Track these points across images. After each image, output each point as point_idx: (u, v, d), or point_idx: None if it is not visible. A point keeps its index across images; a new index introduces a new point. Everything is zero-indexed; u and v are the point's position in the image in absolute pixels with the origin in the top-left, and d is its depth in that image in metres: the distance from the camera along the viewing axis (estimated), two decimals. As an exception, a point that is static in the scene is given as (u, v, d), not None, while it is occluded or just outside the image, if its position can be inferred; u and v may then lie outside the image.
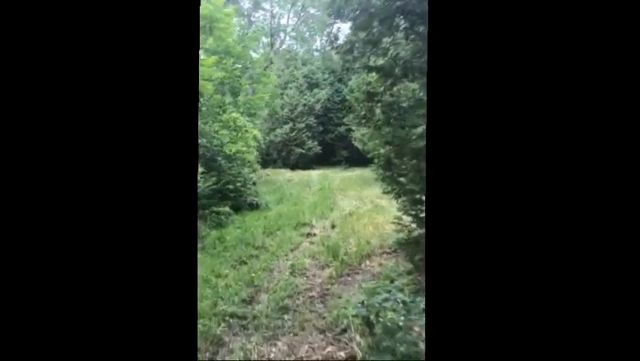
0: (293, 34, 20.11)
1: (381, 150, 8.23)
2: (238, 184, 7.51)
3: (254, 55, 11.79)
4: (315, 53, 21.06)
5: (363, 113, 8.19)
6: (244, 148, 8.80)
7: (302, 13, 20.56)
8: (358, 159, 17.72)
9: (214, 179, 6.88)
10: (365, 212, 7.46)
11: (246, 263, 4.95)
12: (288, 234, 6.02)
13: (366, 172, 15.46)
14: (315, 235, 6.07)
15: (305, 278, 4.57)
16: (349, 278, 4.63)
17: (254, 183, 8.53)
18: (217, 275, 4.47)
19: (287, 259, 5.10)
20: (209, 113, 7.74)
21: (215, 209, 6.43)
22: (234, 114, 7.73)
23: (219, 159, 7.35)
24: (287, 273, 4.65)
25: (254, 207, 7.69)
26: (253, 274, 4.50)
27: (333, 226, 6.59)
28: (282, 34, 20.51)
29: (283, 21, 20.59)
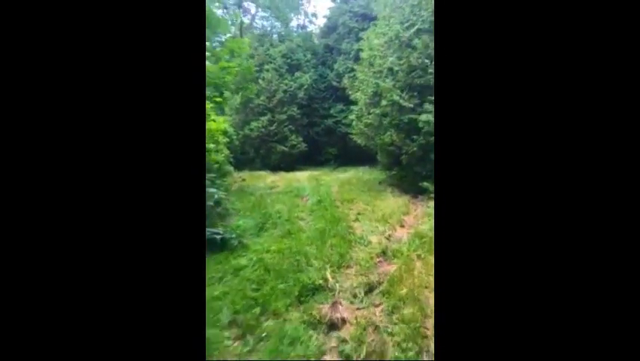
0: (267, 3, 16.61)
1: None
2: (188, 208, 4.26)
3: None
4: (294, 34, 17.77)
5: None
6: (211, 145, 5.69)
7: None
8: (348, 157, 14.67)
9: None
10: (410, 249, 4.36)
11: None
12: (288, 324, 2.83)
13: (362, 173, 12.40)
14: (344, 321, 2.91)
15: None
16: None
17: (217, 203, 5.18)
18: None
19: None
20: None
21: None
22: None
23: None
24: None
25: (218, 247, 4.38)
26: None
27: (369, 289, 3.47)
28: (252, 9, 17.03)
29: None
